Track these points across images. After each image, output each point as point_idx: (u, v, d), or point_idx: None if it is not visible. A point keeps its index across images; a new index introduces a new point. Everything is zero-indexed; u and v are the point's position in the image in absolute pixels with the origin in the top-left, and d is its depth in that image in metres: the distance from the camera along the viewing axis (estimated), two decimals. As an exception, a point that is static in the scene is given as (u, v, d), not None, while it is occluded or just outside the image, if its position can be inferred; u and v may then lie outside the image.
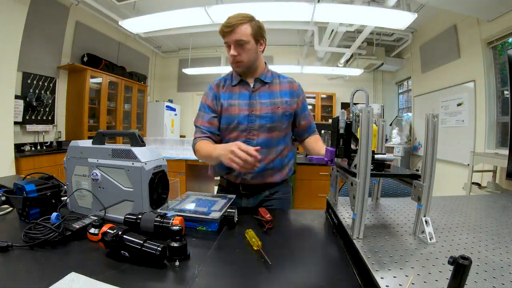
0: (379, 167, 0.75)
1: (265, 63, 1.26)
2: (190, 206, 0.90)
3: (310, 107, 6.25)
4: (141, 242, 0.61)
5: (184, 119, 6.69)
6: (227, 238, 0.78)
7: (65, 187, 1.01)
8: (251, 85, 1.20)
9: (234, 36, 1.10)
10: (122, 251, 0.62)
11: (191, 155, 3.12)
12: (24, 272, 0.55)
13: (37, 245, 0.65)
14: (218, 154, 0.95)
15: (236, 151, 0.86)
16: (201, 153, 1.13)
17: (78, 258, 0.62)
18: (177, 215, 0.76)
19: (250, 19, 1.13)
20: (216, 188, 1.33)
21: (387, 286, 0.48)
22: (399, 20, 2.79)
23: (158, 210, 0.84)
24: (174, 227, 0.64)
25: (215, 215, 0.81)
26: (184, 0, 3.34)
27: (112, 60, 4.93)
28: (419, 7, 3.79)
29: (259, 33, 1.15)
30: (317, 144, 1.23)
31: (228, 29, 1.10)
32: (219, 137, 1.22)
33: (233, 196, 1.02)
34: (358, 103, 4.84)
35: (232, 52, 1.11)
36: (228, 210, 0.88)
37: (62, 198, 0.94)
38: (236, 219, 0.88)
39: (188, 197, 0.99)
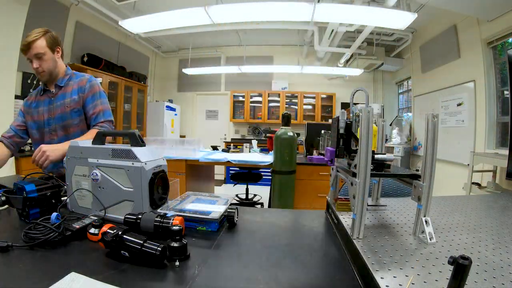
0: (379, 167, 0.75)
1: (67, 66, 1.46)
2: (190, 206, 0.90)
3: (310, 107, 6.29)
4: (141, 242, 0.61)
5: (184, 119, 6.70)
6: (227, 238, 0.78)
7: (65, 187, 1.01)
8: (52, 91, 1.39)
9: (32, 52, 1.26)
10: (122, 251, 0.62)
11: (191, 155, 3.12)
12: (24, 272, 0.55)
13: (37, 245, 0.65)
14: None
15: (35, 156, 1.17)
16: None
17: (78, 258, 0.62)
18: (177, 215, 0.76)
19: (44, 32, 1.30)
20: (216, 188, 1.35)
21: (387, 286, 0.48)
22: (399, 20, 2.79)
23: (158, 210, 0.84)
24: (174, 227, 0.64)
25: (215, 215, 0.81)
26: (184, 0, 3.35)
27: (112, 60, 4.93)
28: (419, 7, 3.79)
29: (54, 43, 1.34)
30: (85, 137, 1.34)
31: (25, 47, 1.26)
32: (23, 140, 1.46)
33: (232, 196, 1.02)
34: (358, 103, 4.84)
35: (34, 65, 1.29)
36: (228, 210, 0.88)
37: (62, 198, 0.94)
38: (237, 219, 0.88)
39: (188, 197, 0.99)
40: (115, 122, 4.80)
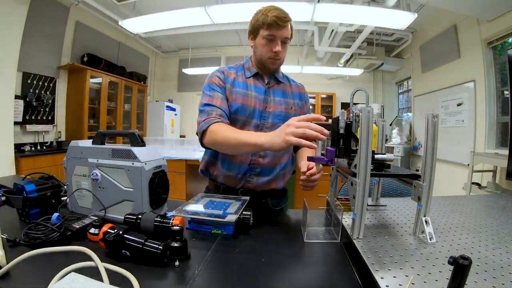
0: (379, 167, 0.75)
1: None
2: (205, 208, 0.86)
3: (310, 107, 6.26)
4: (142, 241, 0.61)
5: (184, 119, 6.70)
6: (227, 238, 0.78)
7: (65, 187, 1.01)
8: (266, 81, 1.16)
9: (285, 33, 1.05)
10: (123, 251, 0.62)
11: (191, 155, 3.12)
12: (24, 272, 0.55)
13: (38, 245, 0.65)
14: (269, 140, 0.77)
15: (308, 124, 0.73)
16: (224, 136, 0.91)
17: (78, 258, 0.62)
18: (179, 216, 0.76)
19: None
20: None
21: (387, 286, 0.48)
22: (399, 20, 2.79)
23: (172, 213, 0.80)
24: (174, 227, 0.64)
25: (232, 218, 0.78)
26: (184, 0, 3.35)
27: (112, 60, 4.93)
28: (419, 7, 3.80)
29: (291, 33, 1.10)
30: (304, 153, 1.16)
31: (283, 23, 1.02)
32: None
33: (247, 197, 0.97)
34: (358, 103, 4.84)
35: (278, 48, 1.05)
36: (243, 212, 0.85)
37: (62, 198, 0.94)
38: (252, 221, 0.86)
39: (200, 199, 0.96)
40: (115, 122, 4.80)
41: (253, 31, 1.10)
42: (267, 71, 1.16)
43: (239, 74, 1.16)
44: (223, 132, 0.93)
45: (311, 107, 1.15)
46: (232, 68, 1.18)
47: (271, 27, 1.02)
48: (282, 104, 1.14)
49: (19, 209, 0.81)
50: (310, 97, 6.11)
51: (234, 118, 1.09)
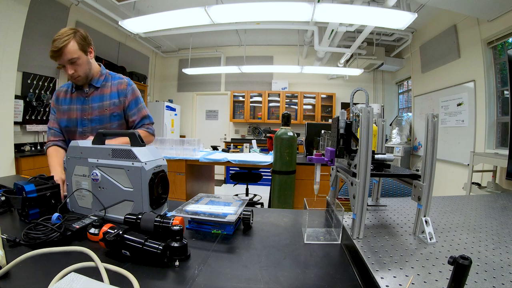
0: (379, 167, 0.75)
1: (100, 65, 1.37)
2: (205, 208, 0.87)
3: (310, 107, 6.30)
4: (143, 241, 0.61)
5: (184, 119, 6.70)
6: (227, 238, 0.78)
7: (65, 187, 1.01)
8: (86, 91, 1.32)
9: (65, 57, 1.17)
10: (123, 251, 0.62)
11: (191, 155, 3.12)
12: (24, 272, 0.55)
13: (38, 245, 0.65)
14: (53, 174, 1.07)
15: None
16: (48, 161, 1.26)
17: (79, 258, 0.62)
18: (179, 216, 0.76)
19: (73, 34, 1.19)
20: (216, 188, 1.34)
21: (387, 286, 0.48)
22: (399, 20, 2.79)
23: (172, 213, 0.80)
24: (174, 227, 0.64)
25: (232, 217, 0.78)
26: (184, 0, 3.34)
27: (112, 60, 4.93)
28: (419, 7, 3.80)
29: (86, 44, 1.24)
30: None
31: (56, 53, 1.16)
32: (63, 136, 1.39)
33: (247, 197, 1.00)
34: (358, 103, 4.84)
35: (69, 72, 1.21)
36: (243, 212, 0.85)
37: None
38: (252, 221, 0.86)
39: (201, 199, 0.96)
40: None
41: None
42: (86, 82, 1.33)
43: (68, 91, 1.36)
44: (48, 156, 1.28)
45: (138, 95, 1.32)
46: (65, 85, 1.39)
47: (54, 58, 1.19)
48: (97, 109, 1.31)
49: (19, 209, 0.81)
50: (310, 97, 6.14)
51: (67, 130, 1.34)
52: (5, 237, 0.66)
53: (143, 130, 1.38)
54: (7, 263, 0.54)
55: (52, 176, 1.06)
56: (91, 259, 0.57)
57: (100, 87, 1.33)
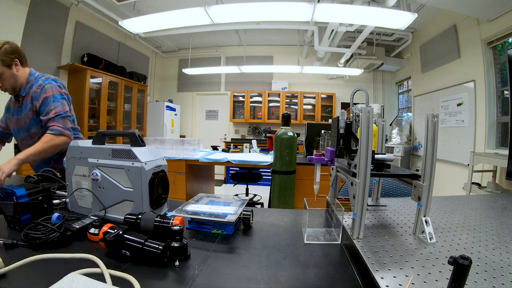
0: (379, 167, 0.75)
1: (30, 69, 1.40)
2: (204, 208, 0.87)
3: (310, 107, 6.29)
4: (143, 241, 0.61)
5: (184, 119, 6.70)
6: (227, 238, 0.78)
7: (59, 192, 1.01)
8: (19, 101, 1.39)
9: None
10: (123, 251, 0.62)
11: (191, 155, 3.12)
12: (24, 272, 0.55)
13: (38, 245, 0.65)
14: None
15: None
16: None
17: (79, 260, 0.62)
18: (179, 216, 0.76)
19: None
20: (216, 188, 1.34)
21: (387, 286, 0.48)
22: (399, 20, 2.79)
23: (172, 213, 0.80)
24: (174, 227, 0.64)
25: (232, 217, 0.78)
26: (184, 0, 3.34)
27: (112, 60, 4.93)
28: (419, 7, 3.79)
29: (8, 58, 1.28)
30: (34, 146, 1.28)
31: None
32: (6, 139, 1.58)
33: (247, 197, 1.00)
34: (358, 103, 4.83)
35: None
36: (243, 212, 0.85)
37: (54, 201, 0.94)
38: (252, 221, 0.86)
39: (201, 199, 0.96)
40: (115, 122, 4.76)
41: None
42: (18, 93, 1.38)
43: (13, 100, 1.44)
44: None
45: (50, 94, 1.32)
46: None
47: None
48: (21, 117, 1.38)
49: (9, 216, 0.76)
50: (310, 97, 6.14)
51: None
52: (1, 241, 0.65)
53: (47, 134, 1.31)
54: (5, 265, 0.54)
55: (42, 179, 1.05)
56: (93, 262, 0.57)
57: (25, 95, 1.37)
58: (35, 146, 1.26)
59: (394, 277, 0.50)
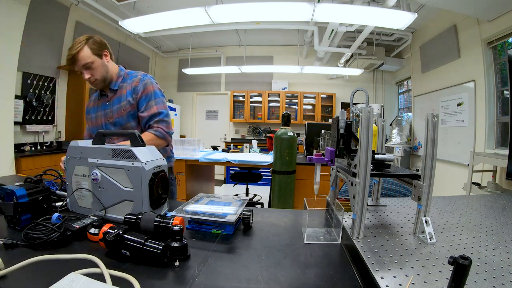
0: (379, 167, 0.75)
1: (119, 66, 1.38)
2: (204, 208, 0.86)
3: (310, 107, 6.30)
4: (143, 241, 0.61)
5: (184, 119, 6.70)
6: (227, 238, 0.78)
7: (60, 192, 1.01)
8: (107, 95, 1.35)
9: (79, 64, 1.21)
10: (123, 251, 0.62)
11: (191, 155, 3.12)
12: (24, 273, 0.55)
13: (38, 245, 0.65)
14: None
15: None
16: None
17: (79, 261, 0.62)
18: (179, 216, 0.76)
19: (86, 40, 1.22)
20: (216, 188, 1.33)
21: (387, 286, 0.48)
22: (399, 20, 2.79)
23: (172, 213, 0.80)
24: (174, 227, 0.64)
25: (232, 217, 0.77)
26: (184, 0, 3.34)
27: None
28: (419, 7, 3.79)
29: (99, 48, 1.26)
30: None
31: (71, 61, 1.21)
32: None
33: (247, 197, 1.00)
34: (358, 103, 4.83)
35: (86, 76, 1.24)
36: (243, 212, 0.85)
37: (57, 204, 0.94)
38: (252, 221, 0.86)
39: (201, 199, 0.96)
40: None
41: None
42: (106, 88, 1.35)
43: (94, 99, 1.42)
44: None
45: (151, 90, 1.25)
46: (94, 95, 1.45)
47: (72, 67, 1.24)
48: (116, 111, 1.31)
49: (9, 216, 0.76)
50: (310, 97, 6.14)
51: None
52: (1, 241, 0.65)
53: (150, 133, 1.28)
54: (6, 266, 0.54)
55: (41, 180, 1.04)
56: (94, 263, 0.57)
57: (118, 89, 1.33)
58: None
59: (394, 277, 0.50)
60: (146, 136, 1.25)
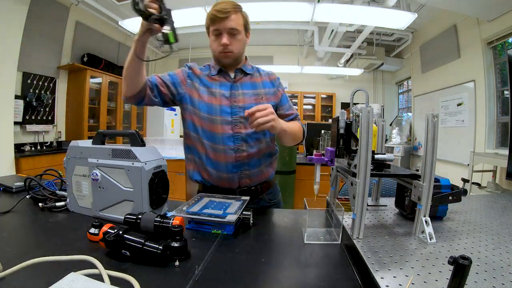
0: (379, 167, 0.75)
1: (246, 57, 1.21)
2: (205, 208, 0.86)
3: (310, 107, 6.29)
4: (142, 241, 0.61)
5: (184, 119, 6.69)
6: (227, 238, 0.78)
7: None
8: (232, 76, 1.15)
9: (228, 24, 1.04)
10: (123, 251, 0.62)
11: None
12: (24, 272, 0.55)
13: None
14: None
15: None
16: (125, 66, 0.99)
17: (79, 261, 0.62)
18: (179, 216, 0.76)
19: (240, 8, 1.08)
20: None
21: (387, 286, 0.48)
22: (399, 20, 2.79)
23: (172, 213, 0.79)
24: (174, 227, 0.64)
25: (232, 217, 0.77)
26: (184, 0, 3.33)
27: (112, 60, 4.93)
28: (419, 7, 3.80)
29: (247, 25, 1.12)
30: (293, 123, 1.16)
31: (223, 15, 1.03)
32: (154, 101, 1.12)
33: (247, 197, 0.97)
34: (358, 103, 4.84)
35: (224, 40, 1.05)
36: (243, 212, 0.85)
37: (57, 204, 0.95)
38: (252, 221, 0.86)
39: (201, 199, 0.96)
40: (115, 122, 4.78)
41: (207, 31, 1.15)
42: (230, 66, 1.15)
43: (205, 74, 1.19)
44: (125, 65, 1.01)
45: (285, 90, 1.14)
46: (201, 68, 1.23)
47: (214, 21, 1.05)
48: (252, 96, 1.13)
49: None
50: (310, 97, 6.14)
51: (208, 118, 1.10)
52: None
53: (299, 123, 1.21)
54: (4, 268, 0.54)
55: (38, 182, 1.02)
56: (93, 264, 0.57)
57: (250, 74, 1.17)
58: (291, 125, 1.11)
59: (394, 277, 0.50)
60: (298, 125, 1.17)
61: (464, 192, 0.90)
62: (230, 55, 1.09)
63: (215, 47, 1.10)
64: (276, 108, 1.17)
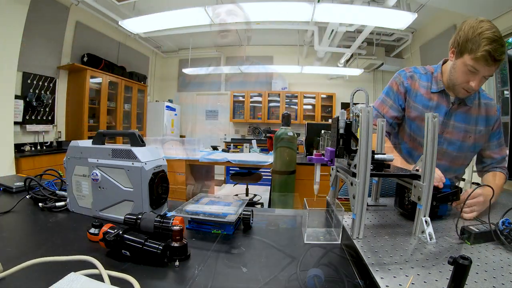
0: (379, 167, 0.75)
1: None
2: (204, 208, 0.86)
3: (310, 107, 6.30)
4: (142, 241, 0.61)
5: (184, 119, 6.70)
6: (227, 238, 0.78)
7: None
8: (451, 101, 1.02)
9: (492, 70, 0.88)
10: (123, 251, 0.62)
11: (191, 155, 3.12)
12: (24, 272, 0.55)
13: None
14: None
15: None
16: None
17: (79, 261, 0.62)
18: (179, 216, 0.76)
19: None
20: (216, 188, 1.29)
21: (387, 286, 0.48)
22: (399, 20, 2.79)
23: (172, 213, 0.80)
24: (174, 227, 0.64)
25: (232, 217, 0.77)
26: (184, 0, 3.34)
27: (112, 60, 4.93)
28: (419, 7, 3.79)
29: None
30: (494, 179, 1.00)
31: (494, 62, 0.85)
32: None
33: (247, 197, 0.98)
34: (358, 103, 4.83)
35: (475, 85, 0.91)
36: (243, 212, 0.85)
37: (57, 204, 0.95)
38: (252, 221, 0.86)
39: (201, 199, 0.96)
40: (115, 122, 4.78)
41: (458, 49, 0.98)
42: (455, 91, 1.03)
43: (424, 85, 1.07)
44: None
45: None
46: (420, 73, 1.10)
47: (479, 61, 0.87)
48: (461, 131, 1.02)
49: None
50: (310, 97, 6.13)
51: (412, 136, 1.04)
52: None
53: (502, 173, 1.04)
54: (4, 269, 0.54)
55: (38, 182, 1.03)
56: (93, 264, 0.56)
57: (469, 106, 1.04)
58: (498, 190, 0.95)
59: (394, 277, 0.50)
60: (502, 179, 1.03)
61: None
62: (469, 95, 1.00)
63: (460, 80, 0.96)
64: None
